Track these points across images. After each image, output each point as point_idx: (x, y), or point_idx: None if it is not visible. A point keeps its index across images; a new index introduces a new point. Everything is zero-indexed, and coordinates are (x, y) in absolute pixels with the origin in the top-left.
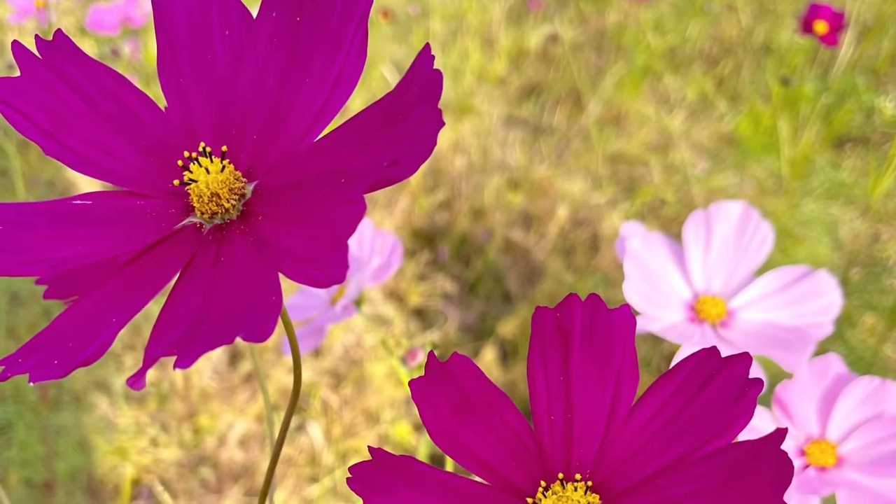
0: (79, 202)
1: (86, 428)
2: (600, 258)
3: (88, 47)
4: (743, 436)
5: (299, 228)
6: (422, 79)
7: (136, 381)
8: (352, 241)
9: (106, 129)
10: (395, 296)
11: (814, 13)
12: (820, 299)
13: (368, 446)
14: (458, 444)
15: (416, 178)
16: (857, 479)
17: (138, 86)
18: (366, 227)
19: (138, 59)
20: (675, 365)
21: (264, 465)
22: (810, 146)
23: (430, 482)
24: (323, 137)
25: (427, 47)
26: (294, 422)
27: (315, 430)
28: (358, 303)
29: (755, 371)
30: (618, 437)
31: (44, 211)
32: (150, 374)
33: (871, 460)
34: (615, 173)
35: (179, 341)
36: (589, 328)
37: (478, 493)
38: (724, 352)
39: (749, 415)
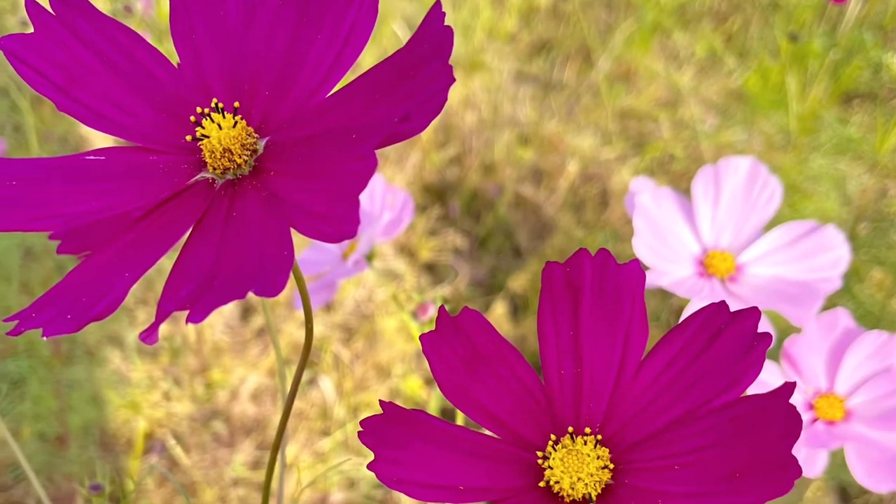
0: (92, 157)
1: (99, 382)
2: (610, 213)
3: (101, 4)
4: (751, 390)
5: (311, 184)
6: (433, 35)
7: (149, 335)
8: (363, 197)
9: (119, 85)
10: (406, 251)
11: None
12: (828, 254)
13: (379, 400)
14: (468, 398)
15: (426, 134)
16: (864, 433)
17: (151, 42)
18: (377, 182)
19: (151, 16)
20: (685, 319)
21: (276, 419)
22: (818, 102)
23: (441, 436)
24: (334, 93)
25: (438, 4)
26: (306, 376)
27: (326, 384)
28: (369, 258)
29: (764, 325)
30: (627, 392)
31: (57, 166)
32: (163, 328)
33: (878, 414)
34: (625, 129)
35: (192, 296)
36: (599, 283)
37: (488, 446)
38: (733, 306)
39: (758, 369)
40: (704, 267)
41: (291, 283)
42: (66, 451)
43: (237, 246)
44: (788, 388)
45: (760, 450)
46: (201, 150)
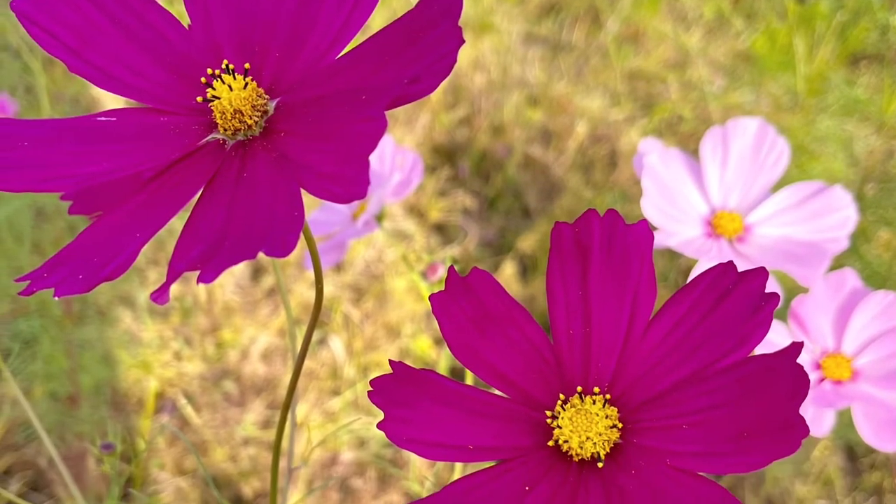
0: (103, 118)
1: (110, 342)
2: (618, 174)
3: None
4: (759, 350)
5: (321, 145)
6: None
7: (160, 295)
8: (373, 157)
9: (130, 46)
10: (415, 211)
11: None
12: (835, 214)
13: (389, 360)
14: (477, 358)
15: (436, 95)
16: (871, 392)
17: (162, 4)
18: (387, 143)
19: None
20: (692, 279)
21: (286, 379)
22: (825, 63)
23: (450, 395)
24: (344, 55)
25: None
26: (316, 336)
27: (336, 343)
28: (379, 218)
29: (771, 285)
30: (635, 351)
31: (69, 127)
32: (174, 288)
33: (885, 373)
34: (633, 90)
35: (203, 256)
36: (607, 243)
37: (497, 406)
38: (741, 266)
39: (765, 329)
40: (712, 227)
41: (302, 243)
42: (78, 410)
43: (248, 206)
44: (796, 347)
45: (768, 409)
46: (212, 111)
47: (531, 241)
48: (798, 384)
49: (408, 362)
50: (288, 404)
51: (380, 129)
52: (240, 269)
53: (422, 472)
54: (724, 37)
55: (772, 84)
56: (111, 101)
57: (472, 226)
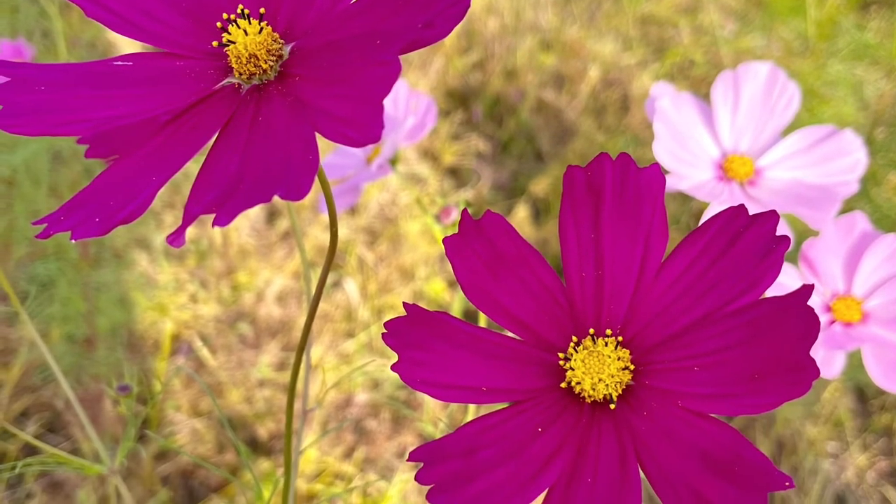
0: (120, 63)
1: (126, 284)
2: (630, 118)
3: None
4: (770, 292)
5: (336, 89)
6: None
7: (176, 238)
8: (387, 102)
9: None
10: (429, 155)
11: None
12: (846, 158)
13: (403, 302)
14: (491, 301)
15: (450, 40)
16: (881, 335)
17: None
18: (401, 87)
19: None
20: (704, 223)
21: (301, 321)
22: (836, 8)
23: (464, 337)
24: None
25: None
26: (330, 278)
27: (351, 286)
28: (393, 162)
29: (782, 228)
30: (647, 294)
31: (85, 71)
32: (190, 231)
33: (895, 315)
34: (645, 35)
35: (218, 199)
36: (619, 186)
37: (510, 348)
38: (752, 210)
39: (776, 271)
40: (724, 171)
41: (316, 186)
42: (94, 352)
43: (263, 150)
44: (806, 290)
45: (779, 351)
46: (227, 55)
47: (544, 184)
48: (809, 326)
49: (422, 305)
50: (303, 346)
51: (394, 73)
52: (255, 213)
53: (435, 414)
54: None
55: (783, 29)
56: (128, 45)
57: (486, 169)
